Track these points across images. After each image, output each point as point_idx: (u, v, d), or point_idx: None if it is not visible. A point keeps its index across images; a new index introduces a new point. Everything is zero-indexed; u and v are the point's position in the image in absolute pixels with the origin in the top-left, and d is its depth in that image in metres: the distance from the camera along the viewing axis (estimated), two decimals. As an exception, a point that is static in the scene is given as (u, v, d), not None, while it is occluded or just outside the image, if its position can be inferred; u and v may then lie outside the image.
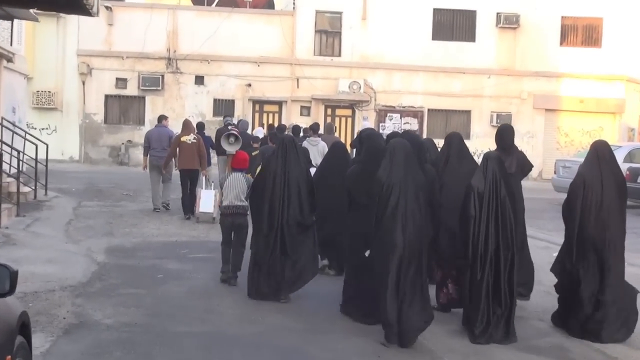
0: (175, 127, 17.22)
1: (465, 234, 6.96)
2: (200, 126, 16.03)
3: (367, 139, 7.91)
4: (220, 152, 14.80)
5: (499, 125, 8.79)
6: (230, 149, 13.82)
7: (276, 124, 21.65)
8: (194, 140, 14.16)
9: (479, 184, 6.92)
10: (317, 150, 13.79)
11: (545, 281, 8.73)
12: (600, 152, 7.26)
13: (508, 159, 7.92)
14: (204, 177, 14.50)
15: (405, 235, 6.56)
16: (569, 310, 7.28)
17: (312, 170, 10.79)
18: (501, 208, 6.87)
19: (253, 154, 14.00)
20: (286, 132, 15.64)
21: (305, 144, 14.39)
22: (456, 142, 8.02)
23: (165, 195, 15.23)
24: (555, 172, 20.05)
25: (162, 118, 15.73)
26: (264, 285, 8.05)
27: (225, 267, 8.88)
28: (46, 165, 16.46)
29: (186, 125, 14.67)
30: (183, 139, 14.16)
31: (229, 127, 16.20)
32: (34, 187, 15.50)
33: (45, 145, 16.69)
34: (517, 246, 7.03)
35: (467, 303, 7.10)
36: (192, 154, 14.06)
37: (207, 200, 13.79)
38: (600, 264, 7.05)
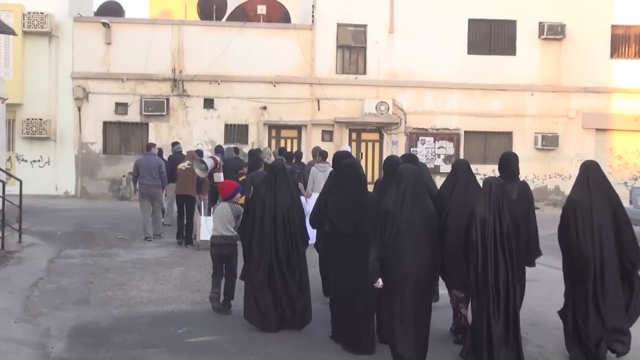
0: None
1: (467, 261, 6.74)
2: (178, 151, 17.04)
3: (345, 168, 7.78)
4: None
5: (504, 152, 8.32)
6: (202, 174, 13.97)
7: (289, 150, 20.18)
8: (189, 166, 14.28)
9: (481, 211, 6.71)
10: (324, 176, 13.56)
11: None
12: (590, 174, 7.27)
13: (509, 185, 7.64)
14: (202, 203, 14.71)
15: (417, 266, 6.53)
16: (572, 336, 7.20)
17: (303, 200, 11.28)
18: (507, 235, 6.66)
19: (240, 179, 14.13)
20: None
21: (313, 170, 14.59)
22: (463, 169, 7.92)
23: (157, 226, 15.07)
24: (631, 202, 16.65)
25: (150, 146, 15.83)
26: (257, 316, 7.83)
27: (215, 289, 8.65)
28: (20, 206, 13.55)
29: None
30: (179, 165, 14.51)
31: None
32: (1, 234, 12.57)
33: (19, 182, 13.83)
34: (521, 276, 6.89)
35: (478, 335, 6.65)
36: (186, 180, 14.18)
37: (207, 228, 12.85)
38: (598, 287, 7.02)
